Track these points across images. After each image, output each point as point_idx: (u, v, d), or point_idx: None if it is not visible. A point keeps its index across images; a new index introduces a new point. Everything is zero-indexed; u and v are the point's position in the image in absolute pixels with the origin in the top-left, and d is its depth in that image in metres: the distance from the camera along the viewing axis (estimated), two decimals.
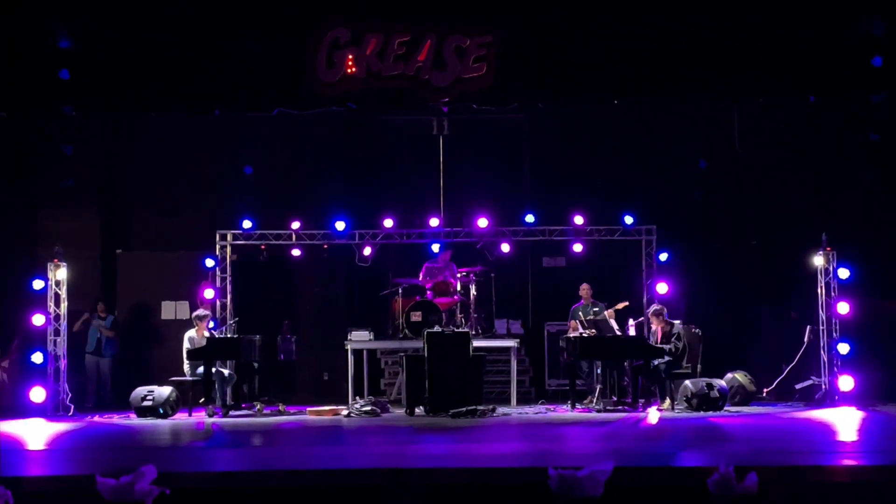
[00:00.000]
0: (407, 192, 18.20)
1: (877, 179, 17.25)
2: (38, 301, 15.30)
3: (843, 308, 15.31)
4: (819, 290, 15.53)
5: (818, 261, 15.55)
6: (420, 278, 17.02)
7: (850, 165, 17.29)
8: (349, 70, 15.96)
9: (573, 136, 18.18)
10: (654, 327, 15.26)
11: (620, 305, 15.83)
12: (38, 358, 15.18)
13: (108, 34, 15.93)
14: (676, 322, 15.18)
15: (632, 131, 17.92)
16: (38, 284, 15.31)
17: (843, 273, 15.39)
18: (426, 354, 14.59)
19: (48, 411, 14.91)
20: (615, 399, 15.13)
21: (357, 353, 16.28)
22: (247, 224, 16.56)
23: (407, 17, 16.02)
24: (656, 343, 15.06)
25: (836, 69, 15.85)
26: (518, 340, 16.30)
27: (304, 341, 17.23)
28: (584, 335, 15.21)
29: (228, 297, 16.50)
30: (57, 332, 15.31)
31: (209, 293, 16.34)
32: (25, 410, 14.86)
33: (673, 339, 14.97)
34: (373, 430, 13.20)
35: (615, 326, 15.39)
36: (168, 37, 15.89)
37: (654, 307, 15.33)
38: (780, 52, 15.82)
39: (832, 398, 15.09)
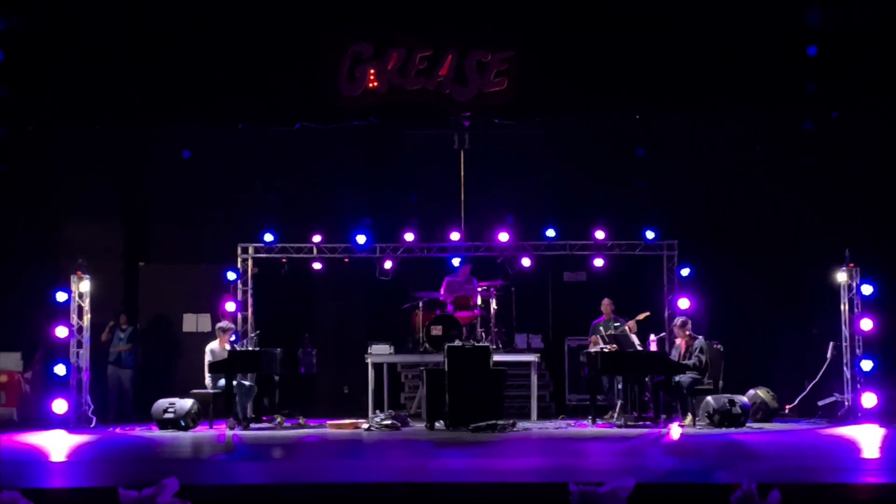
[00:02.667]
0: (428, 206, 18.20)
1: None
2: (62, 313, 15.38)
3: (866, 324, 15.22)
4: (842, 307, 15.46)
5: (841, 277, 15.48)
6: (440, 292, 17.02)
7: (874, 180, 17.18)
8: (371, 84, 16.01)
9: (594, 150, 18.15)
10: (677, 342, 15.21)
11: (641, 316, 15.80)
12: (60, 370, 15.25)
13: (132, 47, 16.04)
14: (699, 337, 15.12)
15: (654, 146, 17.88)
16: (61, 297, 15.39)
17: (867, 289, 15.31)
18: (446, 368, 14.58)
19: (70, 423, 14.97)
20: (636, 415, 15.07)
21: (377, 367, 16.28)
22: (268, 237, 16.63)
23: (429, 32, 16.07)
24: (680, 357, 15.01)
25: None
26: (538, 355, 16.25)
27: (325, 354, 17.26)
28: (605, 350, 15.17)
29: (249, 309, 16.57)
30: (80, 344, 15.39)
31: (230, 306, 16.40)
32: (48, 422, 14.93)
33: (696, 353, 14.91)
34: (393, 444, 13.19)
35: (636, 341, 15.34)
36: (191, 51, 15.99)
37: (679, 319, 15.27)
38: (803, 66, 15.79)
39: (855, 415, 15.00)
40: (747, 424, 14.41)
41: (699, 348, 14.95)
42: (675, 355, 15.15)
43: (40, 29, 15.93)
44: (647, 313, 15.84)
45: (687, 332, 15.07)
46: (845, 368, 15.33)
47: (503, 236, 16.50)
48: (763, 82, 15.86)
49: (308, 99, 16.22)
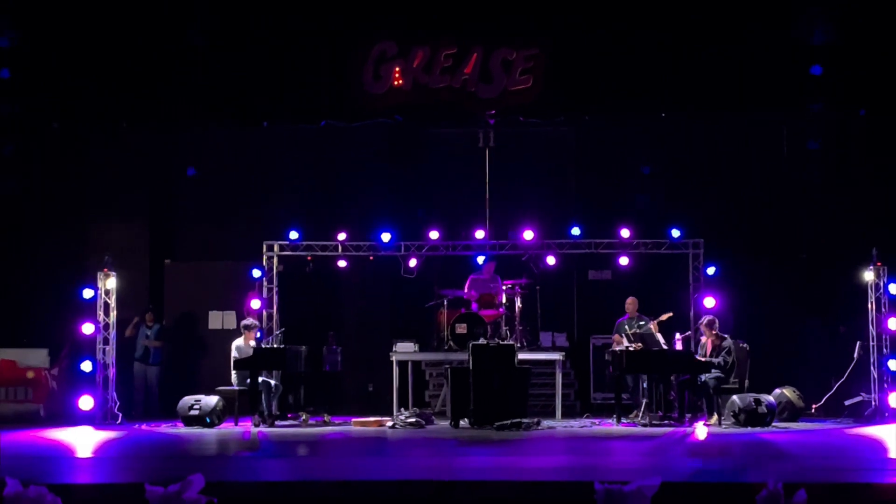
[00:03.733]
0: (453, 204, 18.21)
1: None
2: (88, 310, 15.48)
3: (893, 324, 15.11)
4: (869, 306, 15.35)
5: (868, 276, 15.38)
6: (465, 290, 17.02)
7: None
8: (396, 82, 16.03)
9: (620, 148, 18.12)
10: (703, 340, 15.14)
11: (665, 316, 15.72)
12: (87, 366, 15.36)
13: (158, 49, 16.12)
14: (728, 337, 15.04)
15: (679, 144, 17.83)
16: (87, 294, 15.49)
17: (894, 288, 15.20)
18: (471, 367, 14.58)
19: (97, 419, 15.07)
20: (661, 413, 15.01)
21: (402, 365, 16.29)
22: (293, 235, 16.65)
23: (454, 30, 16.07)
24: (705, 356, 14.94)
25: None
26: (563, 353, 16.22)
27: (350, 352, 17.30)
28: (630, 349, 15.13)
29: (275, 307, 16.60)
30: (106, 341, 15.48)
31: (256, 303, 16.44)
32: (74, 418, 15.04)
33: (723, 354, 14.83)
34: (417, 442, 13.20)
35: (661, 340, 15.29)
36: (217, 51, 16.06)
37: (706, 318, 15.19)
38: (830, 67, 15.69)
39: (882, 415, 14.91)
40: (773, 424, 14.34)
41: (727, 349, 14.86)
42: (700, 354, 15.08)
43: (67, 30, 16.03)
44: (671, 314, 15.75)
45: (714, 332, 15.00)
46: (872, 368, 15.23)
47: (528, 234, 16.47)
48: (788, 83, 15.78)
49: (333, 97, 16.26)
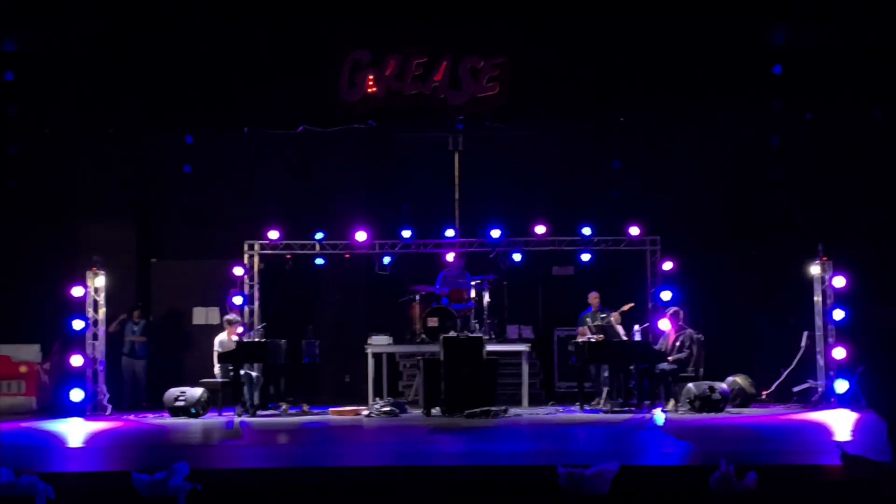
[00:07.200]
0: (424, 204, 18.19)
1: (871, 190, 17.15)
2: (78, 307, 15.39)
3: (838, 315, 15.25)
4: (816, 298, 15.49)
5: (815, 270, 15.50)
6: (436, 286, 17.04)
7: (846, 179, 17.21)
8: (370, 89, 16.06)
9: (582, 150, 18.16)
10: (667, 331, 15.23)
11: (626, 307, 15.80)
12: (77, 361, 15.26)
13: (145, 57, 16.04)
14: (688, 328, 15.14)
15: (637, 147, 17.90)
16: (77, 291, 15.40)
17: (839, 281, 15.33)
18: (442, 358, 14.61)
19: (87, 411, 14.99)
20: (621, 401, 15.09)
21: (377, 357, 16.30)
22: (273, 235, 16.61)
23: (424, 40, 16.11)
24: (668, 346, 15.03)
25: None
26: (529, 345, 16.28)
27: (327, 345, 17.25)
28: (592, 340, 15.21)
29: (256, 303, 16.56)
30: (95, 337, 15.40)
31: (238, 300, 16.39)
32: (65, 410, 14.96)
33: (686, 346, 14.94)
34: (392, 430, 13.22)
35: (621, 332, 15.38)
36: (202, 61, 16.02)
37: (672, 308, 15.30)
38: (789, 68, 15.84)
39: (828, 401, 15.03)
40: (726, 410, 14.44)
41: (691, 340, 14.96)
42: (661, 345, 15.17)
43: (55, 37, 15.96)
44: (632, 304, 15.85)
45: (679, 323, 15.13)
46: (819, 357, 15.34)
47: (495, 233, 16.51)
48: (740, 84, 15.91)
49: (310, 104, 16.26)
